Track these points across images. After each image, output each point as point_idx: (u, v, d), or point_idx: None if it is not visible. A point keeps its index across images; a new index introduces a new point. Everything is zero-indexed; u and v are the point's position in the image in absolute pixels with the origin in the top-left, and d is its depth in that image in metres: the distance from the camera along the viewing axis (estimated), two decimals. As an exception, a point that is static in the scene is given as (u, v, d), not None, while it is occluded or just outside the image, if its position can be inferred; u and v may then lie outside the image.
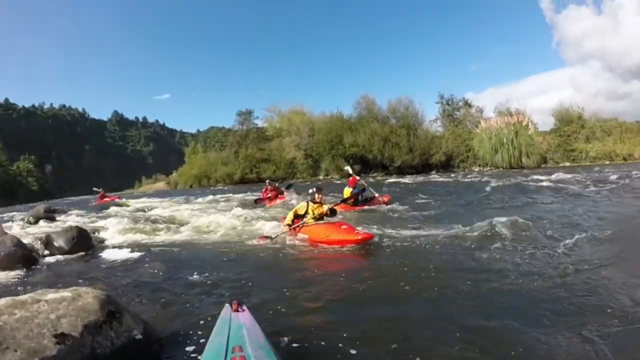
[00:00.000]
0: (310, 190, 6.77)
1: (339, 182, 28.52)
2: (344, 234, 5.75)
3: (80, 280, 4.52)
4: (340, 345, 2.56)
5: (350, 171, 12.58)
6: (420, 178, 23.59)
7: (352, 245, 5.53)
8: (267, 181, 15.15)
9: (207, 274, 4.50)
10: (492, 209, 8.59)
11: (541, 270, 3.86)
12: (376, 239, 5.76)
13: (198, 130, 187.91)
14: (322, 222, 6.38)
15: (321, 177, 33.43)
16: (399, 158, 30.27)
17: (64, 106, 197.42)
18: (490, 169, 28.41)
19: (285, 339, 2.66)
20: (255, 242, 6.35)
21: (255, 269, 4.74)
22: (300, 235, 6.36)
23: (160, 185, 57.50)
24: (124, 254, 5.92)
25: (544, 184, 13.09)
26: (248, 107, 42.78)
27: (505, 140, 28.57)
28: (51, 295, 2.44)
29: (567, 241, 4.85)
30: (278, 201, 12.61)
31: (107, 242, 7.38)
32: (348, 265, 4.94)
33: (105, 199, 21.24)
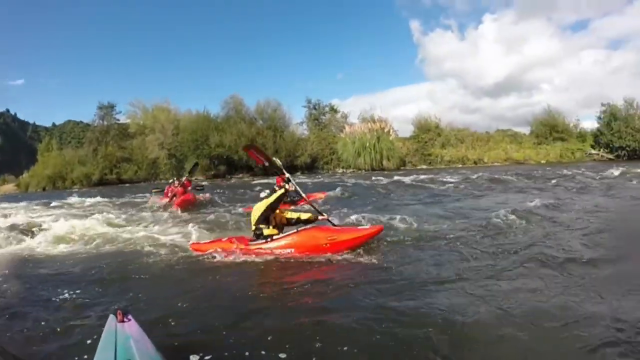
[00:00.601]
0: (263, 194, 5.05)
1: (204, 183, 27.16)
2: (352, 233, 4.79)
3: None
4: (237, 353, 2.47)
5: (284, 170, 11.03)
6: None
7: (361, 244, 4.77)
8: (172, 180, 12.23)
9: (82, 288, 3.95)
10: (393, 205, 9.02)
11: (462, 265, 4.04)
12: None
13: (54, 124, 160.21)
14: (308, 226, 5.01)
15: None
16: (265, 159, 29.81)
17: None
18: (353, 171, 29.60)
19: (177, 348, 2.52)
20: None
21: (141, 280, 4.22)
22: (279, 252, 4.70)
23: (9, 187, 49.64)
24: None
25: (430, 184, 13.84)
26: (110, 100, 38.74)
27: (367, 144, 30.01)
28: None
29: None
30: (176, 206, 10.15)
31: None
32: (253, 270, 4.48)
33: None
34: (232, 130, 30.66)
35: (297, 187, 7.64)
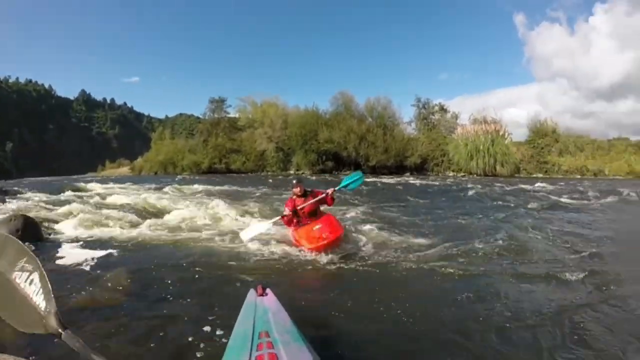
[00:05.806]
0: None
1: (312, 178, 27.71)
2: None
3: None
4: (364, 333, 2.65)
5: None
6: (398, 179, 22.88)
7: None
8: None
9: (221, 269, 4.18)
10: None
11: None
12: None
13: (166, 116, 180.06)
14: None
15: (292, 172, 32.54)
16: (374, 157, 29.84)
17: (30, 81, 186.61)
18: (464, 175, 28.35)
19: (311, 323, 2.64)
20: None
21: (277, 262, 4.52)
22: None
23: (124, 170, 55.31)
24: (82, 253, 4.89)
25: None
26: (219, 96, 41.19)
27: (482, 147, 28.56)
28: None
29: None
30: None
31: (61, 236, 6.23)
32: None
33: None
34: (341, 127, 30.85)
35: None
